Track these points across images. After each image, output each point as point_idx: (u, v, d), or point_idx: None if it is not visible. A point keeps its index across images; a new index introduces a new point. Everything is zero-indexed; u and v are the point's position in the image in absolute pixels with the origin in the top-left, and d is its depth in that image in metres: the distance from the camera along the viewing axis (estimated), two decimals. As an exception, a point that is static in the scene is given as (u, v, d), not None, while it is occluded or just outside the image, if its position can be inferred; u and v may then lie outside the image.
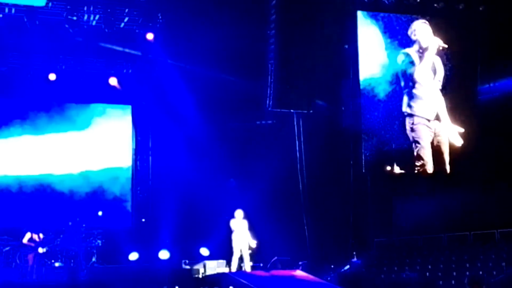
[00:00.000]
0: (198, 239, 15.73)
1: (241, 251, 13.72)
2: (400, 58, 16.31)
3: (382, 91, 16.45)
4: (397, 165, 16.18)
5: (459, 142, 16.53)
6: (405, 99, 16.30)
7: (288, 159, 16.11)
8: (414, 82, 16.31)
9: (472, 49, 16.83)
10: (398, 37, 16.57)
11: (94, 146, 16.89)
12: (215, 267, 14.78)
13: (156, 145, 17.00)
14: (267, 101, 15.62)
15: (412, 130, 16.21)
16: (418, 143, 16.21)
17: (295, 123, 16.15)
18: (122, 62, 16.66)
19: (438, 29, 16.64)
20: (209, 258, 15.34)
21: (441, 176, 16.42)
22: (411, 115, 16.24)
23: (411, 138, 16.23)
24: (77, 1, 14.88)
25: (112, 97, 16.96)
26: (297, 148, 16.11)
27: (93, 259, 15.31)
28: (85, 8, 15.18)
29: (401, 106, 16.48)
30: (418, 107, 16.27)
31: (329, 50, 15.92)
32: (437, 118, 16.42)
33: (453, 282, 13.93)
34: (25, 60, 15.98)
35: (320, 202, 16.28)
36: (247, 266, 13.83)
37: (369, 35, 16.45)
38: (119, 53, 16.36)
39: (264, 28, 15.76)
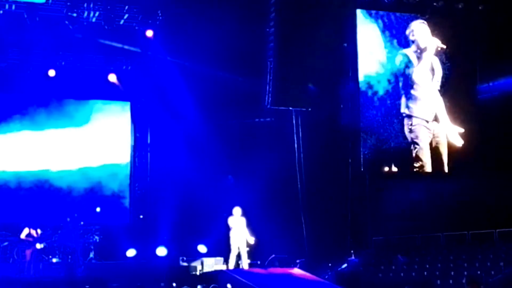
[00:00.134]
0: (196, 236, 15.54)
1: (238, 248, 13.51)
2: (398, 58, 16.13)
3: (381, 89, 16.26)
4: (395, 163, 15.97)
5: (459, 142, 16.31)
6: (404, 100, 16.10)
7: (286, 157, 15.95)
8: (412, 83, 16.13)
9: (472, 48, 16.67)
10: (398, 35, 16.38)
11: (93, 142, 16.70)
12: (212, 264, 14.54)
13: (155, 142, 16.83)
14: (266, 99, 15.49)
15: (411, 131, 16.00)
16: (417, 144, 16.00)
17: (293, 121, 16.01)
18: (122, 58, 16.51)
19: (438, 28, 16.45)
20: (207, 255, 15.11)
21: (439, 175, 16.19)
22: (409, 116, 16.04)
23: (409, 139, 16.01)
24: (77, -2, 14.81)
25: (111, 94, 16.78)
26: (296, 146, 15.97)
27: (91, 255, 15.13)
28: (85, 5, 15.09)
29: (399, 104, 16.27)
30: (416, 108, 16.07)
31: (328, 48, 15.72)
32: (436, 119, 16.22)
33: (451, 281, 13.77)
34: (24, 56, 15.86)
35: (318, 200, 16.09)
36: (245, 263, 13.62)
37: (369, 34, 16.26)
38: (118, 50, 16.22)
39: (263, 26, 15.63)
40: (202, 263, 14.62)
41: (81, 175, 16.46)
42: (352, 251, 15.42)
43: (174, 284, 12.92)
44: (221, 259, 14.58)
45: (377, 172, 16.09)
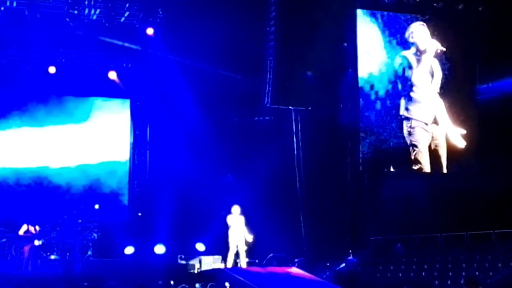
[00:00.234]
0: (194, 234, 15.37)
1: (237, 247, 13.33)
2: (398, 61, 15.95)
3: (380, 89, 16.09)
4: (394, 163, 15.80)
5: (461, 143, 16.14)
6: (403, 102, 15.91)
7: (286, 156, 15.80)
8: (411, 85, 15.94)
9: (471, 49, 16.51)
10: (397, 35, 16.22)
11: (92, 140, 16.50)
12: (210, 262, 14.38)
13: (154, 139, 16.64)
14: (266, 98, 15.35)
15: (410, 133, 15.81)
16: (416, 146, 15.81)
17: (293, 119, 15.86)
18: (122, 56, 16.35)
19: (438, 29, 16.29)
20: (205, 253, 14.96)
21: (438, 175, 16.03)
22: (408, 119, 15.85)
23: (408, 142, 15.82)
24: (78, -5, 14.67)
25: (111, 91, 16.59)
26: (295, 145, 15.82)
27: (89, 252, 14.95)
28: (86, 2, 14.98)
29: (399, 104, 16.11)
30: (415, 110, 15.89)
31: (328, 47, 15.57)
32: (435, 121, 16.02)
33: (449, 282, 13.63)
34: (25, 53, 15.71)
35: (317, 199, 15.94)
36: (243, 262, 13.43)
37: (369, 34, 16.08)
38: (119, 47, 16.06)
39: (263, 25, 15.49)
40: (200, 261, 14.47)
41: (80, 172, 16.27)
42: (350, 251, 15.27)
43: (172, 282, 12.72)
44: (219, 257, 14.42)
45: (376, 171, 15.92)
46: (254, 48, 15.44)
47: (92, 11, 15.16)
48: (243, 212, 13.48)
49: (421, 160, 15.78)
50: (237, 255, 13.38)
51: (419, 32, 16.09)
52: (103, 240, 15.16)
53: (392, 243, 15.93)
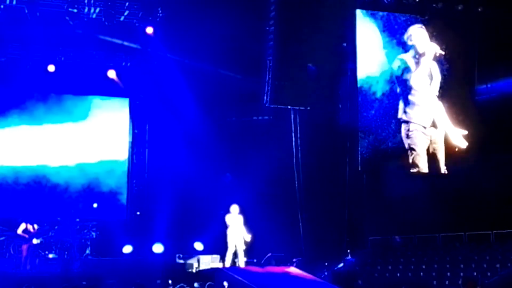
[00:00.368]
0: (192, 234, 15.19)
1: (235, 246, 13.11)
2: (396, 64, 15.67)
3: (379, 89, 15.84)
4: (393, 163, 15.62)
5: (463, 144, 15.92)
6: (401, 105, 15.63)
7: (284, 155, 15.60)
8: (410, 88, 15.65)
9: (470, 49, 16.25)
10: (397, 36, 15.95)
11: (91, 138, 16.27)
12: (209, 262, 14.18)
13: (153, 139, 16.45)
14: (265, 97, 15.12)
15: (408, 136, 15.52)
16: (414, 150, 15.55)
17: (292, 119, 15.66)
18: (121, 55, 16.15)
19: (437, 29, 16.07)
20: (203, 252, 14.76)
21: (437, 176, 15.84)
22: (407, 122, 15.56)
23: (406, 145, 15.53)
24: (77, -6, 14.48)
25: (110, 90, 16.38)
26: (294, 145, 15.61)
27: (87, 251, 14.74)
28: (86, 1, 14.81)
29: (398, 104, 15.93)
30: (414, 113, 15.60)
31: (327, 47, 15.37)
32: (434, 125, 15.75)
33: (447, 282, 13.44)
34: (24, 51, 15.51)
35: (315, 199, 15.73)
36: (241, 261, 13.22)
37: (368, 34, 15.83)
38: (118, 46, 15.86)
39: (263, 24, 15.27)
40: (198, 261, 14.28)
41: (78, 171, 16.05)
42: (348, 251, 15.09)
43: (170, 281, 12.54)
44: (217, 256, 14.23)
45: (375, 171, 15.73)
46: (253, 48, 15.25)
47: (92, 10, 14.98)
48: (242, 212, 13.28)
49: (419, 164, 15.55)
50: (235, 254, 13.16)
51: (418, 35, 15.85)
52: (101, 239, 14.95)
53: (391, 243, 15.78)
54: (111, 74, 16.08)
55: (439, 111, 15.96)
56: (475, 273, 13.44)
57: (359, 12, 15.78)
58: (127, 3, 15.04)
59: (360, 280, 13.61)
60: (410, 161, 15.55)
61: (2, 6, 14.52)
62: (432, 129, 15.81)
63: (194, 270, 14.13)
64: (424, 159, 15.62)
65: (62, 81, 15.89)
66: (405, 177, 15.79)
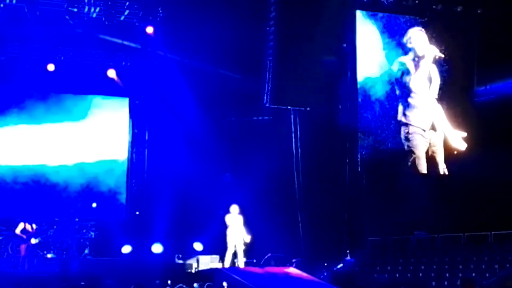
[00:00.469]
0: (192, 234, 15.00)
1: (235, 246, 12.94)
2: (396, 66, 15.48)
3: (379, 90, 15.66)
4: (393, 164, 15.48)
5: (462, 146, 15.74)
6: (401, 108, 15.41)
7: (284, 156, 15.41)
8: (409, 91, 15.42)
9: (470, 51, 16.11)
10: (397, 37, 15.77)
11: (90, 138, 16.05)
12: (208, 262, 13.99)
13: (153, 138, 16.25)
14: (265, 97, 14.92)
15: (407, 139, 15.29)
16: (413, 152, 15.33)
17: (292, 119, 15.47)
18: (121, 54, 15.96)
19: (436, 31, 15.91)
20: (203, 253, 14.58)
21: (436, 177, 15.71)
22: (406, 124, 15.33)
23: (406, 148, 15.32)
24: (78, -7, 14.29)
25: (110, 89, 16.18)
26: (293, 145, 15.42)
27: (86, 251, 14.53)
28: (86, 0, 14.63)
29: (397, 106, 15.79)
30: (413, 116, 15.39)
31: (327, 48, 15.23)
32: (433, 127, 15.55)
33: (446, 283, 13.27)
34: (24, 50, 15.33)
35: (315, 200, 15.54)
36: (241, 262, 13.04)
37: (368, 35, 15.68)
38: (118, 46, 15.68)
39: (263, 24, 15.07)
40: (197, 261, 14.09)
41: (77, 170, 15.83)
42: (348, 251, 14.90)
43: (169, 282, 12.35)
44: (217, 257, 14.04)
45: (374, 172, 15.58)
46: (253, 48, 15.06)
47: (92, 9, 14.82)
48: (241, 212, 13.11)
49: (418, 166, 15.36)
50: (235, 254, 12.99)
51: (417, 37, 15.66)
52: (100, 238, 14.76)
53: (390, 243, 15.64)
54: (111, 73, 15.88)
55: (439, 114, 15.81)
56: (473, 274, 13.29)
57: (359, 13, 15.62)
58: (127, 3, 14.88)
59: (359, 281, 13.47)
60: (409, 163, 15.38)
61: (2, 5, 14.36)
62: (431, 132, 15.63)
63: (193, 271, 13.95)
64: (423, 161, 15.44)
65: (61, 81, 15.68)
66: (405, 178, 15.65)
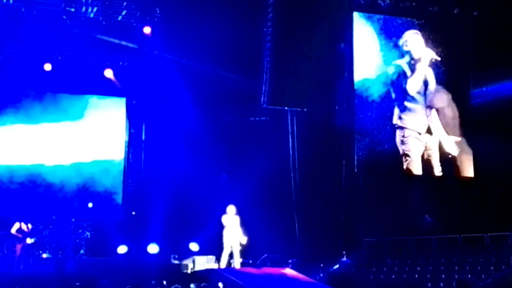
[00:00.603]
0: (188, 234, 14.74)
1: (231, 247, 12.72)
2: (391, 69, 15.33)
3: (376, 92, 15.49)
4: (389, 165, 15.32)
5: (455, 152, 15.53)
6: (396, 111, 15.20)
7: (281, 156, 15.22)
8: (405, 94, 15.28)
9: (466, 53, 15.96)
10: (393, 39, 15.62)
11: (87, 138, 15.78)
12: (204, 262, 13.73)
13: (149, 138, 16.00)
14: (262, 98, 14.77)
15: (403, 143, 15.08)
16: (408, 156, 15.14)
17: (289, 120, 15.29)
18: (118, 54, 15.73)
19: (433, 33, 15.77)
20: (199, 253, 14.33)
21: (432, 178, 15.57)
22: (401, 128, 15.14)
23: (401, 151, 15.09)
24: (75, -7, 14.06)
25: (107, 89, 15.90)
26: (290, 146, 15.23)
27: (82, 251, 14.25)
28: (83, 0, 14.41)
29: (394, 108, 15.64)
30: (409, 119, 15.19)
31: (324, 49, 15.04)
32: (428, 131, 15.38)
33: (441, 284, 13.13)
34: (21, 49, 15.09)
35: (311, 201, 15.33)
36: (237, 262, 12.81)
37: (365, 36, 15.53)
38: (115, 46, 15.43)
39: (261, 25, 14.92)
40: (193, 262, 13.83)
41: (74, 170, 15.54)
42: (344, 252, 14.70)
43: (164, 282, 12.13)
44: (213, 257, 13.78)
45: (371, 173, 15.40)
46: (251, 49, 14.90)
47: (89, 9, 14.60)
48: (238, 212, 12.93)
49: (413, 170, 15.18)
50: (231, 255, 12.77)
51: (413, 40, 15.50)
52: (96, 239, 14.50)
53: (386, 245, 15.47)
54: (108, 73, 15.64)
55: (434, 118, 15.66)
56: (469, 275, 13.15)
57: (356, 15, 15.47)
58: (125, 3, 14.69)
59: (356, 282, 13.31)
60: (405, 167, 15.18)
61: (-1, 5, 14.24)
62: (427, 135, 15.45)
63: (189, 271, 13.68)
64: (418, 165, 15.25)
65: (58, 80, 15.41)
66: (401, 179, 15.50)
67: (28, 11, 14.16)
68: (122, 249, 14.66)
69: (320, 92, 15.42)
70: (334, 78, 15.60)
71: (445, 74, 15.92)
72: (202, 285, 11.56)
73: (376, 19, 15.61)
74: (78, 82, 15.63)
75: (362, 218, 15.45)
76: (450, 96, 16.01)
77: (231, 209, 12.81)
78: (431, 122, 15.57)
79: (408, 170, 15.20)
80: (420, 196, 15.68)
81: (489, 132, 15.51)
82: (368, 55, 15.51)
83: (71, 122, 15.85)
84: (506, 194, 15.08)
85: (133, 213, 15.79)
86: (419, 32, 15.63)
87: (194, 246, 14.77)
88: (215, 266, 13.46)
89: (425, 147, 15.40)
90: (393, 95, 15.42)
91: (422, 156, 15.37)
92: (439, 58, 15.52)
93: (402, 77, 15.41)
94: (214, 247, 13.60)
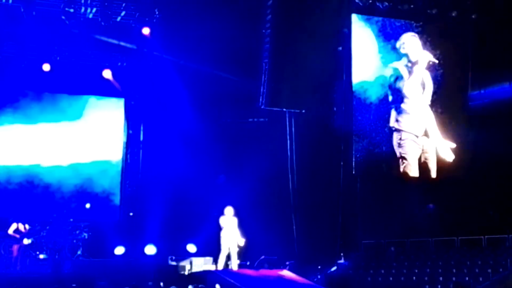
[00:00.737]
0: (185, 235, 14.58)
1: (229, 248, 12.51)
2: (389, 72, 15.13)
3: (374, 94, 15.27)
4: (387, 167, 15.15)
5: (450, 157, 15.27)
6: (393, 113, 14.97)
7: (279, 158, 15.02)
8: (402, 97, 15.01)
9: (464, 55, 15.77)
10: (392, 41, 15.40)
11: (85, 138, 15.57)
12: (201, 264, 13.52)
13: (148, 139, 15.82)
14: (260, 99, 14.61)
15: (400, 145, 14.84)
16: (405, 159, 14.90)
17: (287, 122, 15.13)
18: (117, 55, 15.54)
19: (431, 35, 15.58)
20: (196, 255, 14.15)
21: (430, 180, 15.40)
22: (398, 130, 14.90)
23: (398, 154, 14.85)
24: (74, -6, 13.87)
25: (105, 89, 15.71)
26: (289, 147, 15.06)
27: (79, 252, 14.05)
28: (82, 1, 14.25)
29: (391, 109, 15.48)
30: (406, 122, 14.96)
31: (323, 51, 14.85)
32: (426, 134, 15.14)
33: (439, 287, 12.98)
34: (20, 49, 14.89)
35: (309, 202, 15.14)
36: (234, 264, 12.61)
37: (363, 38, 15.34)
38: (114, 46, 15.25)
39: (259, 27, 14.76)
40: (191, 263, 13.63)
41: (72, 171, 15.33)
42: (342, 254, 14.48)
43: (161, 284, 11.96)
44: (210, 259, 13.59)
45: (369, 175, 15.21)
46: (249, 50, 14.72)
47: (88, 10, 14.42)
48: (236, 214, 12.74)
49: (410, 173, 14.99)
50: (228, 257, 12.57)
51: (410, 43, 15.28)
52: (93, 240, 14.30)
53: (384, 247, 15.30)
54: (107, 74, 15.45)
55: (431, 121, 15.48)
56: (467, 278, 13.00)
57: (354, 17, 15.26)
58: (123, 4, 14.53)
59: (353, 284, 13.15)
60: (401, 170, 14.98)
61: (-2, 5, 14.07)
62: (424, 138, 15.25)
63: (186, 272, 13.48)
64: (415, 168, 15.03)
65: (57, 80, 15.21)
66: (399, 181, 15.33)
67: (27, 11, 13.99)
68: (119, 250, 14.47)
69: (319, 94, 15.26)
70: (332, 80, 15.41)
71: (443, 77, 15.72)
72: (199, 286, 11.39)
73: (375, 21, 15.42)
74: (76, 82, 15.44)
75: (360, 220, 15.25)
76: (447, 98, 15.85)
77: (229, 210, 12.61)
78: (428, 125, 15.40)
79: (405, 173, 15.01)
80: (418, 197, 15.51)
81: (487, 135, 15.35)
82: (367, 57, 15.32)
83: (69, 122, 15.65)
84: (504, 196, 14.91)
85: (131, 214, 15.58)
86: (416, 35, 15.45)
87: (191, 248, 14.60)
88: (212, 267, 13.26)
89: (422, 150, 15.20)
90: (390, 98, 15.23)
91: (419, 159, 15.18)
92: (436, 61, 15.35)
93: (399, 79, 15.23)
94: (211, 248, 13.40)
